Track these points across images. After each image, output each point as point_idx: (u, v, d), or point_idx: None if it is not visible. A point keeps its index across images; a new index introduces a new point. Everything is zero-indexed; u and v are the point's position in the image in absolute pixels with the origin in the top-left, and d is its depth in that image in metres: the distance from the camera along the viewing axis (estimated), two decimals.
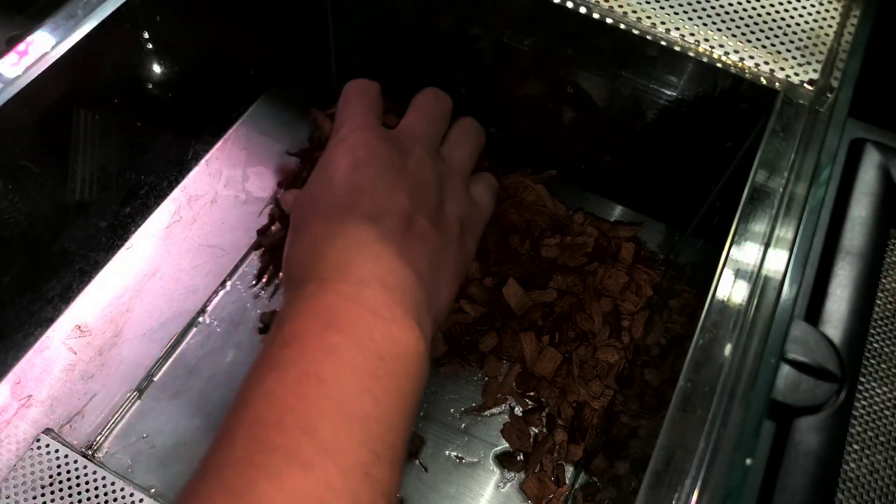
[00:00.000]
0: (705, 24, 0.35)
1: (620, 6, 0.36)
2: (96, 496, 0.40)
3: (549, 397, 0.45)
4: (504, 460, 0.44)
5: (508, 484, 0.43)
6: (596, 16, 0.36)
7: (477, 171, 0.46)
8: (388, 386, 0.30)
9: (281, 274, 0.38)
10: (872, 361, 0.31)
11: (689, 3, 0.36)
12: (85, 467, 0.41)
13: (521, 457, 0.44)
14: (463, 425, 0.45)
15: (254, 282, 0.49)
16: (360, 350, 0.30)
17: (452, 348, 0.46)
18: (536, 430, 0.45)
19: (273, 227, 0.50)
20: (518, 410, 0.45)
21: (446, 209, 0.39)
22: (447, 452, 0.44)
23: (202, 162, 0.53)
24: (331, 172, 0.37)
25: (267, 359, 0.31)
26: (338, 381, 0.29)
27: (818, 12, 0.36)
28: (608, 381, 0.45)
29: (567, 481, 0.43)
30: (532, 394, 0.46)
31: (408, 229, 0.35)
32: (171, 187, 0.51)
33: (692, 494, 0.26)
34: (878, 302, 0.32)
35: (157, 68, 0.45)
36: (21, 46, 0.36)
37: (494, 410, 0.45)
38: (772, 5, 0.36)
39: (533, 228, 0.49)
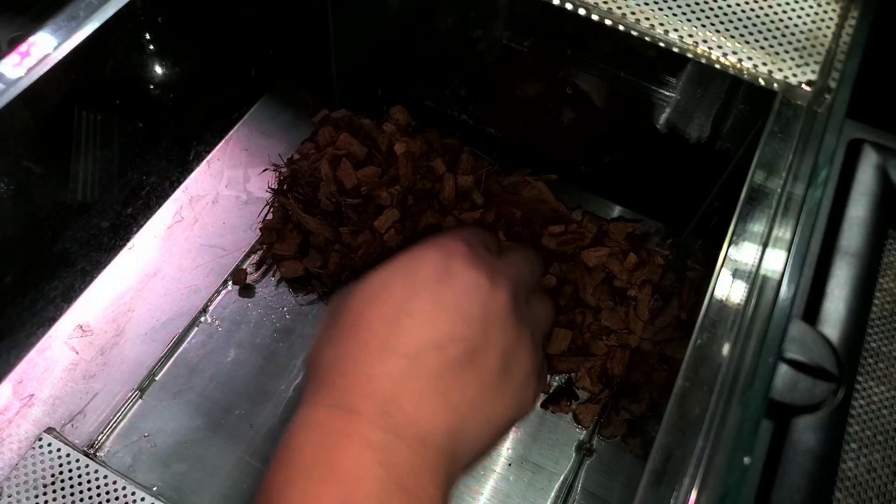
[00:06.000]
0: (704, 26, 0.35)
1: (619, 7, 0.36)
2: (98, 495, 0.40)
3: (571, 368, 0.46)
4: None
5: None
6: (595, 17, 0.36)
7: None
8: None
9: (307, 363, 0.34)
10: (870, 361, 0.31)
11: (688, 5, 0.36)
12: (87, 466, 0.41)
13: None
14: None
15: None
16: None
17: None
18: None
19: (274, 227, 0.51)
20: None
21: (519, 358, 0.35)
22: None
23: (204, 162, 0.53)
24: (415, 267, 0.34)
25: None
26: None
27: (816, 13, 0.36)
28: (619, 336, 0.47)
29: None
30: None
31: (470, 361, 0.32)
32: (172, 188, 0.52)
33: (690, 493, 0.26)
34: (876, 302, 0.32)
35: (158, 69, 0.45)
36: (23, 47, 0.36)
37: None
38: (770, 7, 0.36)
39: (534, 222, 0.49)
